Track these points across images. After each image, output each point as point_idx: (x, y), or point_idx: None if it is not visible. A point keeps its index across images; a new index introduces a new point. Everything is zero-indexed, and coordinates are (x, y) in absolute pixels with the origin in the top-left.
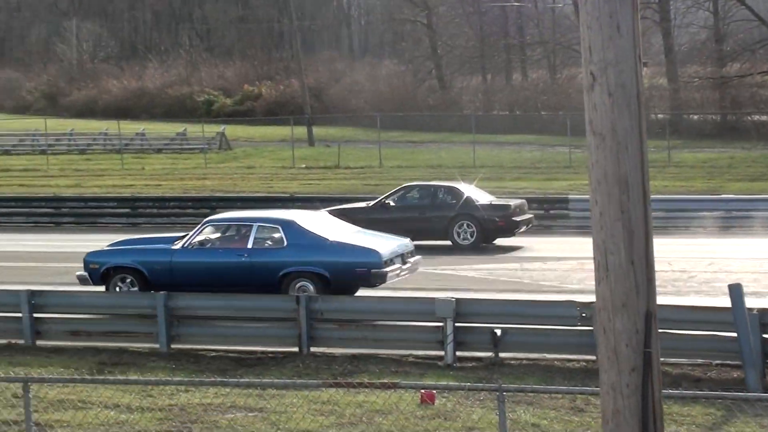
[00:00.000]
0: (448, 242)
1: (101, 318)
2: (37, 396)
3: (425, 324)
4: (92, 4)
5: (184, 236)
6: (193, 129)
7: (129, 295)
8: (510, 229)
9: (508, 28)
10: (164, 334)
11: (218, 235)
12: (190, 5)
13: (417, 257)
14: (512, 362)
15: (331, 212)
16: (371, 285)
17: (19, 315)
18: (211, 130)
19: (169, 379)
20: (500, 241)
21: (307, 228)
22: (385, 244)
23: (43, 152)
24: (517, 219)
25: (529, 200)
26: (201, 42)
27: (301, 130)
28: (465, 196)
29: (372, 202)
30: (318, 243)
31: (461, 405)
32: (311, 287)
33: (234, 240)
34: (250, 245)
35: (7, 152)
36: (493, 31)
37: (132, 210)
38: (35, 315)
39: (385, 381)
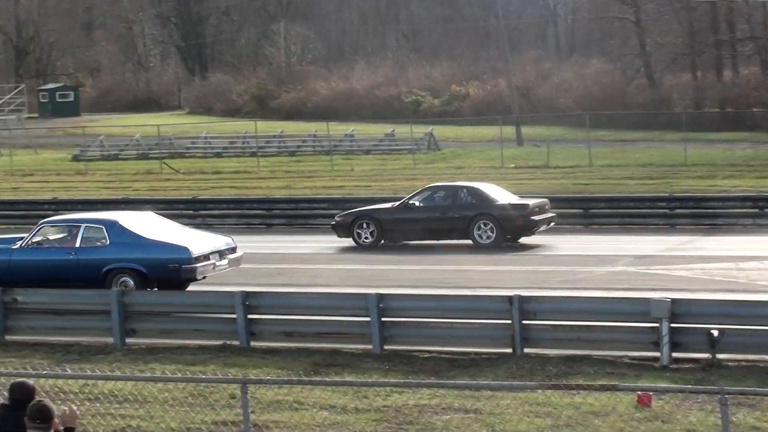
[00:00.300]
0: (469, 241)
1: (315, 319)
2: (254, 397)
3: (640, 325)
4: (300, 7)
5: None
6: (401, 130)
7: (342, 297)
8: (528, 228)
9: (717, 23)
10: (377, 335)
11: (52, 235)
12: (397, 6)
13: (238, 254)
14: (730, 364)
15: (354, 213)
16: (184, 279)
17: (234, 316)
18: (419, 130)
19: (385, 380)
20: (708, 241)
21: (128, 228)
22: (199, 242)
23: (253, 154)
24: (536, 218)
25: (743, 198)
26: (407, 42)
27: (509, 130)
28: (485, 196)
29: (397, 203)
30: (136, 241)
31: (678, 407)
32: (131, 282)
33: (65, 240)
34: (77, 244)
35: (218, 155)
36: (702, 27)
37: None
38: (250, 316)
39: (604, 383)
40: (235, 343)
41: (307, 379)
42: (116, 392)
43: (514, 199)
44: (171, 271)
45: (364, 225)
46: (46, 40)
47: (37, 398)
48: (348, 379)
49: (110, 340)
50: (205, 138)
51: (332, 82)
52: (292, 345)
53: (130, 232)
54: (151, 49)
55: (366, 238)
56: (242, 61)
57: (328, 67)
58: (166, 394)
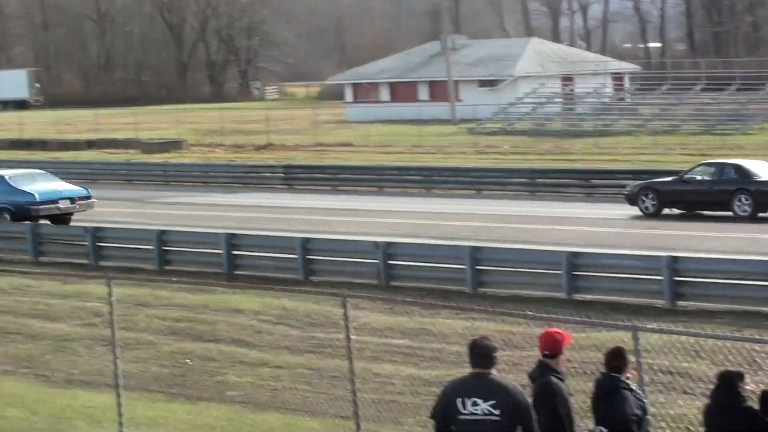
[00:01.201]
0: (730, 213)
1: None
2: None
3: None
4: None
5: None
6: None
7: None
8: None
9: None
10: None
11: None
12: None
13: (90, 201)
14: None
15: (641, 184)
16: (33, 216)
17: None
18: None
19: None
20: None
21: (7, 180)
22: (48, 190)
23: None
24: None
25: None
26: None
27: None
28: (746, 172)
29: (674, 177)
30: (8, 189)
31: None
32: (8, 217)
33: None
34: None
35: None
36: None
37: None
38: None
39: None
40: None
41: None
42: None
43: None
44: (25, 210)
45: (648, 195)
46: None
47: None
48: None
49: None
50: None
51: None
52: None
53: (7, 182)
54: None
55: (648, 207)
56: None
57: None
58: None
